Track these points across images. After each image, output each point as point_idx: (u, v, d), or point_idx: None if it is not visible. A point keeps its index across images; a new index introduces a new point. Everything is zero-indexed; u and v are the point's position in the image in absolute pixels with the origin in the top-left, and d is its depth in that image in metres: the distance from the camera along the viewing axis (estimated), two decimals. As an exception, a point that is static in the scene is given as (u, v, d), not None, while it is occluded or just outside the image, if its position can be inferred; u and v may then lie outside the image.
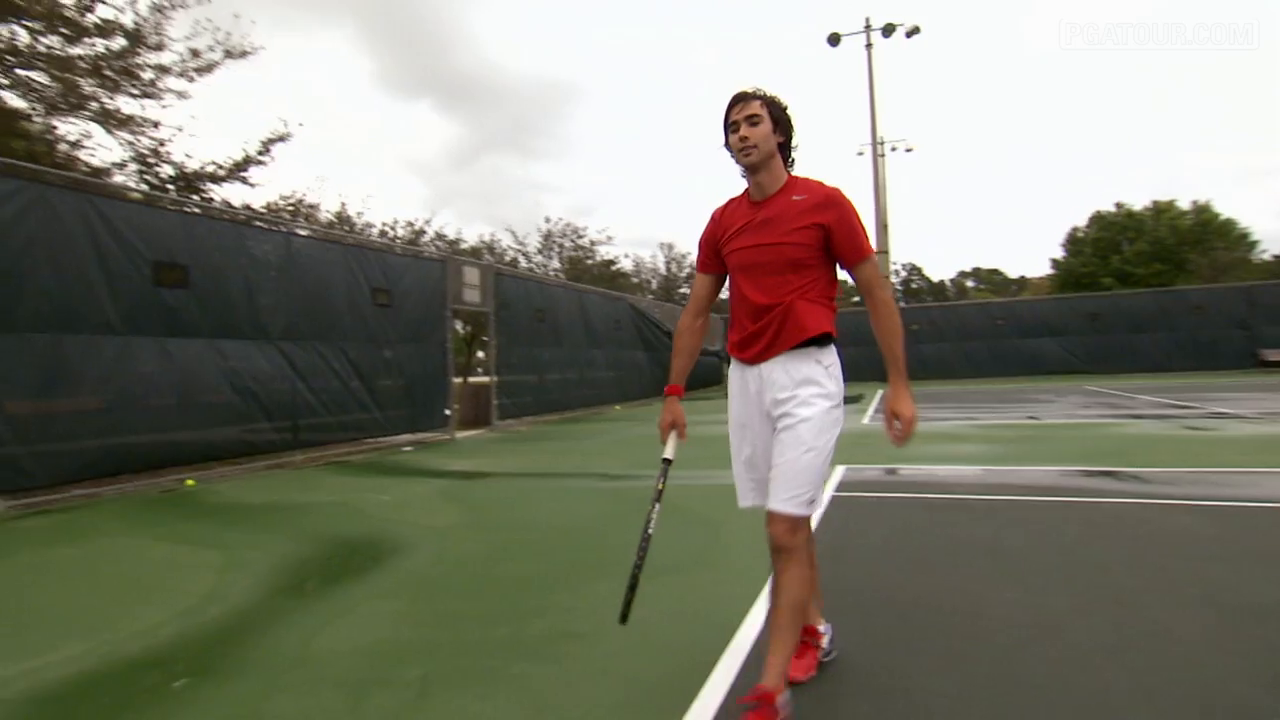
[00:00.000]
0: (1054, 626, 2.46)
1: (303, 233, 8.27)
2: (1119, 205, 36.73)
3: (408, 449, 8.73)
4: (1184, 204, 35.27)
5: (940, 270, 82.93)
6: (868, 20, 23.36)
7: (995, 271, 60.10)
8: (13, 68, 7.80)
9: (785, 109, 2.00)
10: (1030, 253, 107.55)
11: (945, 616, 2.60)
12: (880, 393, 17.48)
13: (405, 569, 3.43)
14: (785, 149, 2.00)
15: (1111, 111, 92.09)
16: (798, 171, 2.04)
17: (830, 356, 1.98)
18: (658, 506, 1.97)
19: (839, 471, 5.90)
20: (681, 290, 31.53)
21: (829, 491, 5.06)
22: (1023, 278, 55.71)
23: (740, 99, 1.98)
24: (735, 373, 2.08)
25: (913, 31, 22.62)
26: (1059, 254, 39.36)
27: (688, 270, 32.31)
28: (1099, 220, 36.96)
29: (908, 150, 26.57)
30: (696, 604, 2.87)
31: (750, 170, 1.98)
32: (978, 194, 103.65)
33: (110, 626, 2.79)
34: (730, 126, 1.97)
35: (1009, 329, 22.13)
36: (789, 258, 1.91)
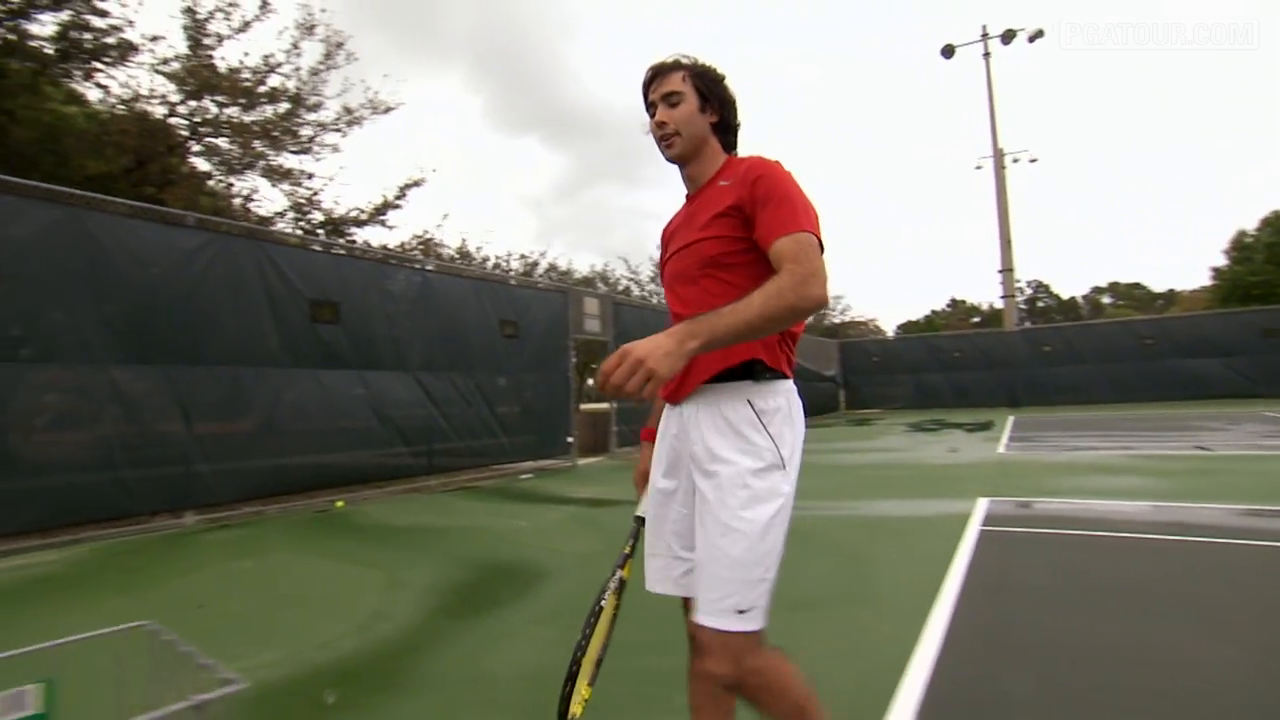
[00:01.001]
0: (1283, 690, 2.17)
1: (435, 269, 8.83)
2: (1300, 204, 32.38)
3: (526, 476, 9.04)
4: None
5: (1071, 286, 76.94)
6: (984, 28, 22.40)
7: (1137, 285, 55.04)
8: (204, 136, 8.95)
9: (719, 80, 1.57)
10: (1178, 264, 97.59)
11: (1151, 672, 2.36)
12: (1012, 418, 16.32)
13: (555, 594, 3.53)
14: (724, 130, 1.58)
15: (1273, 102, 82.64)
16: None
17: (770, 397, 1.42)
18: (618, 574, 1.50)
19: (982, 505, 5.54)
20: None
21: (974, 526, 4.76)
22: (1171, 291, 50.63)
23: (657, 73, 1.56)
24: (663, 416, 1.59)
25: (1036, 36, 21.43)
26: (1221, 262, 35.38)
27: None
28: (1275, 222, 32.80)
29: (1031, 161, 25.11)
30: (859, 642, 2.77)
31: (677, 163, 1.58)
32: (1113, 203, 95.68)
33: (296, 637, 3.04)
34: (648, 110, 1.58)
35: (1161, 348, 20.04)
36: (704, 256, 1.45)
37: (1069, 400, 20.40)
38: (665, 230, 1.68)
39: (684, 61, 1.56)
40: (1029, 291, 53.08)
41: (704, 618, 1.32)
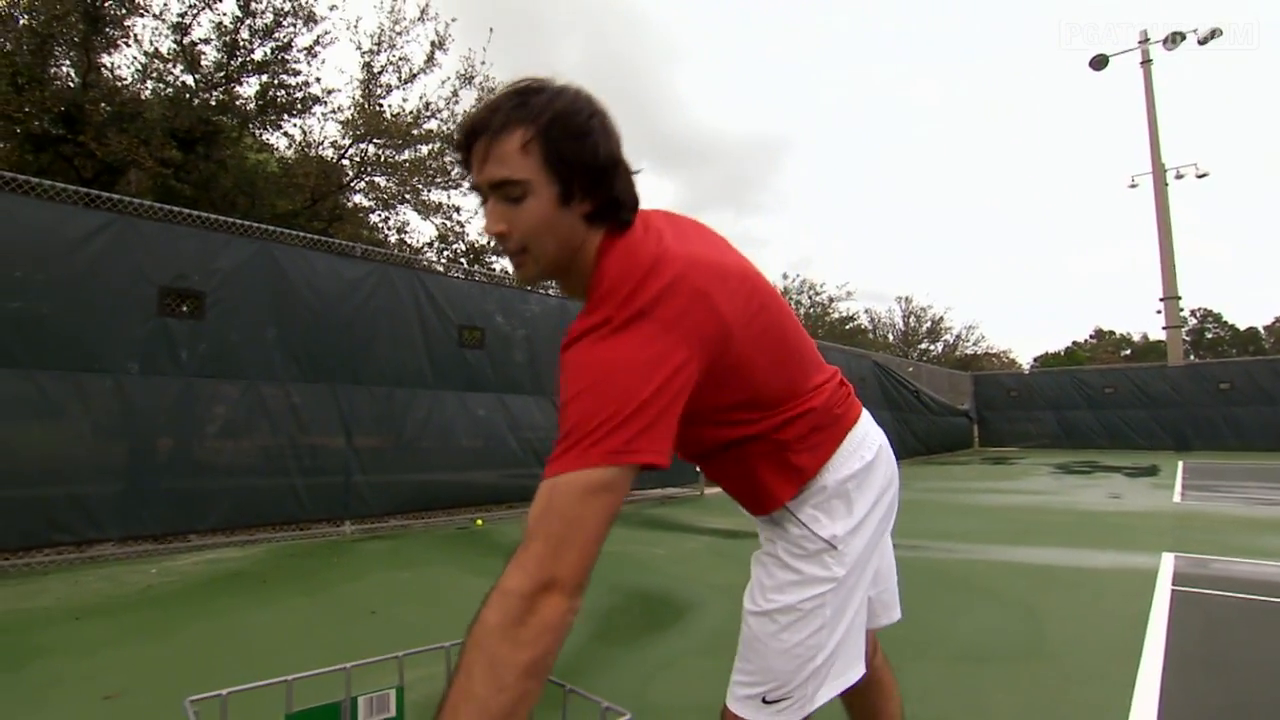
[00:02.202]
0: None
1: (568, 295, 9.14)
2: None
3: (650, 503, 9.05)
4: None
5: (1249, 316, 68.30)
6: (1144, 33, 20.64)
7: (1333, 315, 47.96)
8: (365, 175, 9.86)
9: (585, 132, 0.94)
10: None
11: None
12: (1181, 463, 14.56)
13: (708, 626, 3.47)
14: (607, 210, 0.99)
15: None
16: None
17: (805, 507, 1.18)
18: None
19: (1168, 560, 4.95)
20: (922, 345, 29.55)
21: (1163, 585, 4.24)
22: (1378, 322, 43.74)
23: (475, 134, 0.94)
24: None
25: (1209, 37, 19.45)
26: None
27: (928, 324, 30.26)
28: None
29: (1199, 176, 22.62)
30: (1052, 703, 2.51)
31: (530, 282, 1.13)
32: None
33: (462, 649, 3.15)
34: (478, 194, 1.00)
35: (1373, 389, 17.25)
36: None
37: (1253, 446, 17.96)
38: None
39: (527, 113, 0.91)
40: (1194, 321, 47.64)
41: (730, 694, 1.17)
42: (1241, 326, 48.33)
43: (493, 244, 0.87)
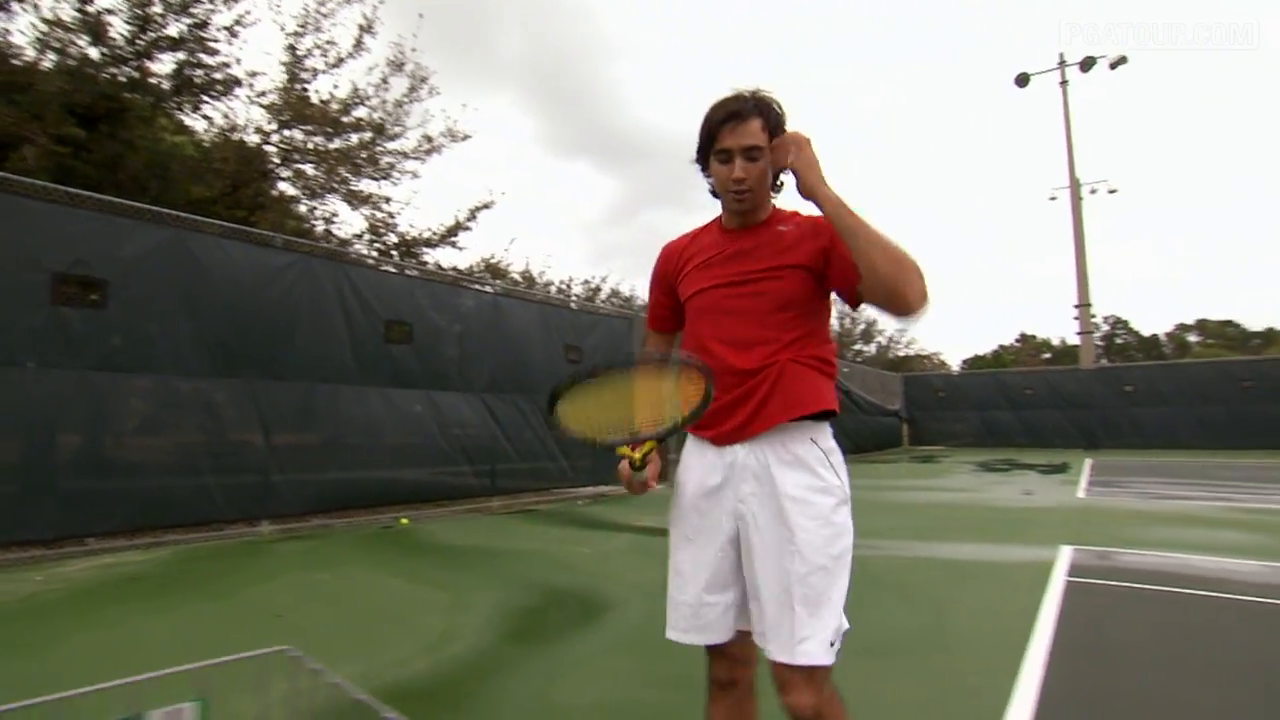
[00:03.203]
0: None
1: (502, 292, 9.03)
2: None
3: (581, 501, 9.03)
4: None
5: (1152, 323, 73.07)
6: (1062, 56, 21.80)
7: (1229, 323, 51.77)
8: (293, 163, 9.48)
9: (784, 122, 1.48)
10: (1278, 301, 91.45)
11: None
12: (1089, 460, 15.47)
13: (624, 625, 3.48)
14: (777, 172, 1.51)
15: (1379, 135, 77.23)
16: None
17: (829, 439, 1.48)
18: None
19: (1065, 553, 5.23)
20: (856, 346, 30.39)
21: (1059, 576, 4.49)
22: (1270, 330, 47.39)
23: (734, 117, 1.44)
24: (692, 458, 1.55)
25: (1118, 63, 20.71)
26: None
27: (862, 326, 31.12)
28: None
29: (1110, 191, 24.06)
30: (943, 694, 2.62)
31: (740, 213, 1.52)
32: (1200, 236, 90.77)
33: (371, 653, 3.07)
34: (719, 154, 1.46)
35: (1260, 392, 18.63)
36: (775, 300, 1.44)
37: (1152, 444, 19.23)
38: (680, 253, 1.62)
39: (759, 105, 1.45)
40: (1106, 328, 50.60)
41: (804, 655, 1.31)
42: (1146, 333, 51.77)
43: (732, 186, 1.47)
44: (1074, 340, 24.35)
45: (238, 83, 8.41)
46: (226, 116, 8.95)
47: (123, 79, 7.25)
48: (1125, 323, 51.80)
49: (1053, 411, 21.23)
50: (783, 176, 1.52)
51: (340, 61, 9.20)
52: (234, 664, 1.26)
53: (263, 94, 8.91)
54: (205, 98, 8.29)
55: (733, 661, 1.50)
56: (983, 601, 4.03)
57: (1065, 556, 5.14)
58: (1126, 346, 51.08)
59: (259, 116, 9.04)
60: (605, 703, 2.50)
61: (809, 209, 1.44)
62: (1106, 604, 3.90)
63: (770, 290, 1.45)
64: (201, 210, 7.17)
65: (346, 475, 6.91)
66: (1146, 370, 21.53)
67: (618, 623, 3.55)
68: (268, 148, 9.43)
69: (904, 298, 1.32)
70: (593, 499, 9.15)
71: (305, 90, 8.97)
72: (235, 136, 9.07)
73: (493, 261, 15.49)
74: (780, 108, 1.48)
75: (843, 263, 1.41)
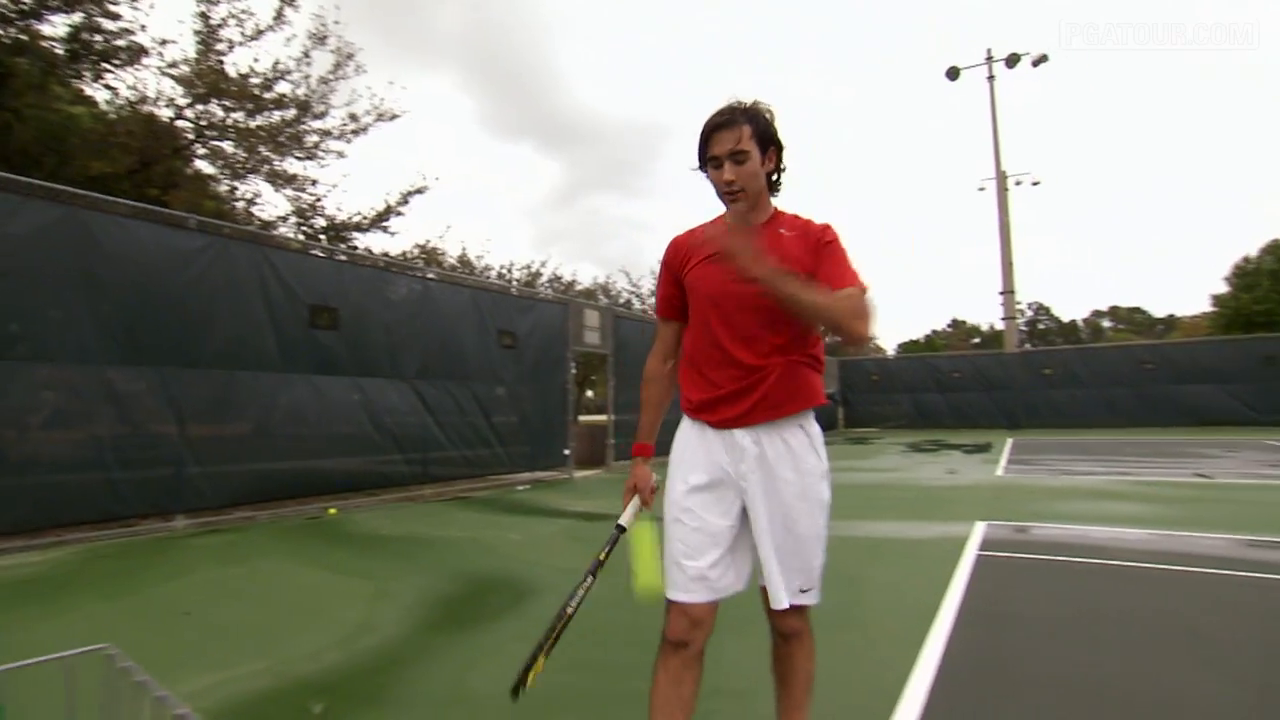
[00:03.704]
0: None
1: (436, 278, 8.83)
2: (1307, 230, 32.05)
3: (523, 487, 8.98)
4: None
5: (1071, 310, 77.09)
6: (989, 52, 22.58)
7: (1137, 310, 55.15)
8: (210, 140, 8.97)
9: (773, 126, 1.65)
10: (1179, 289, 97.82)
11: (1144, 710, 2.30)
12: (1010, 440, 16.26)
13: (542, 611, 3.47)
14: (773, 174, 1.71)
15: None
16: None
17: (815, 424, 1.74)
18: (590, 580, 1.65)
19: (979, 528, 5.49)
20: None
21: (971, 551, 4.71)
22: (1171, 316, 50.71)
23: (721, 126, 1.61)
24: (691, 437, 1.73)
25: (1040, 61, 21.60)
26: (1220, 288, 35.33)
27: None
28: (1278, 250, 32.67)
29: (1034, 184, 25.20)
30: (850, 666, 2.71)
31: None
32: (1113, 227, 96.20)
33: (282, 647, 2.98)
34: (710, 160, 1.64)
35: (1160, 373, 19.95)
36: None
37: (1068, 424, 20.34)
38: (688, 243, 1.76)
39: (747, 114, 1.62)
40: (1030, 314, 53.17)
41: (803, 599, 1.70)
42: (1066, 319, 54.67)
43: (724, 189, 1.66)
44: (1001, 325, 25.46)
45: (144, 51, 7.87)
46: (134, 88, 8.41)
47: (7, 40, 6.66)
48: (1048, 309, 54.59)
49: (979, 394, 22.21)
50: (780, 177, 1.72)
51: (259, 33, 8.72)
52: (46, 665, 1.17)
53: (174, 65, 8.39)
54: (107, 66, 7.72)
55: (694, 623, 1.62)
56: (896, 577, 4.20)
57: (979, 531, 5.39)
58: (1048, 331, 53.84)
59: (172, 89, 8.52)
60: (518, 688, 2.50)
61: (808, 213, 1.71)
62: (1010, 575, 4.12)
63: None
64: (107, 188, 6.73)
65: (271, 466, 6.66)
66: (1063, 354, 22.76)
67: (538, 609, 3.54)
68: (182, 123, 8.91)
69: (846, 335, 1.52)
70: (531, 485, 9.10)
71: (221, 62, 8.48)
72: (145, 109, 8.52)
73: (428, 247, 15.11)
74: (770, 115, 1.65)
75: (827, 274, 1.60)
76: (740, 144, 1.59)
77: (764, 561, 1.65)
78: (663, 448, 1.78)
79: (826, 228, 1.69)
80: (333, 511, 6.89)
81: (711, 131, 1.62)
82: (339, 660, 2.82)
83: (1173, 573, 4.13)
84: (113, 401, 5.60)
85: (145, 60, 8.13)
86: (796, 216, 1.72)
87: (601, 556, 1.69)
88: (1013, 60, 22.05)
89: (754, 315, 1.61)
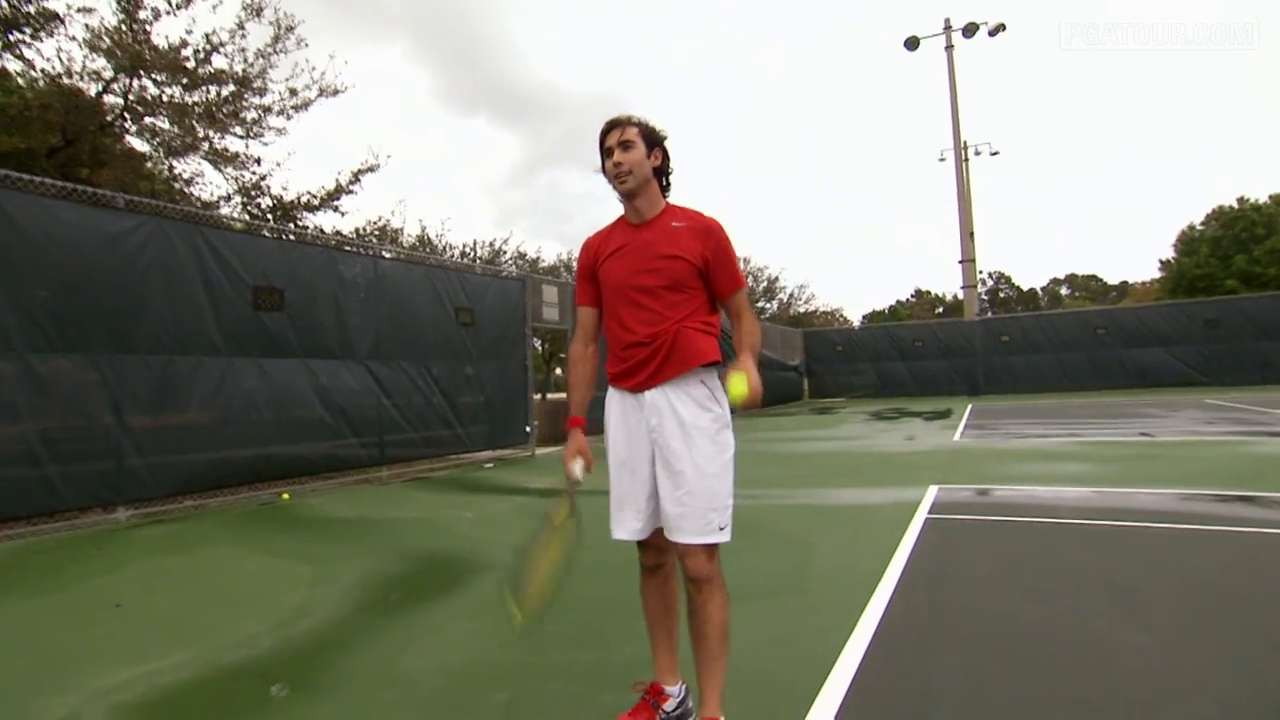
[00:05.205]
0: (1200, 679, 2.18)
1: (388, 256, 8.60)
2: (1242, 200, 33.39)
3: (489, 465, 8.90)
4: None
5: (1030, 278, 78.84)
6: (947, 21, 22.64)
7: (1093, 278, 56.61)
8: (141, 116, 8.53)
9: (661, 136, 2.00)
10: (1132, 256, 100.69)
11: (1066, 659, 2.35)
12: (970, 406, 16.63)
13: (489, 588, 3.43)
14: (662, 175, 2.02)
15: (1226, 101, 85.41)
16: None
17: (715, 379, 1.96)
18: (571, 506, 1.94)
19: (932, 492, 5.58)
20: (759, 303, 31.11)
21: (921, 514, 4.78)
22: (1124, 283, 52.17)
23: (614, 125, 1.97)
24: (614, 403, 2.02)
25: (997, 30, 21.75)
26: (1169, 255, 36.50)
27: (765, 284, 31.86)
28: (1220, 217, 33.72)
29: (993, 154, 25.50)
30: (790, 632, 2.73)
31: (627, 196, 1.97)
32: (1071, 197, 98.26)
33: (213, 635, 2.89)
34: (604, 152, 1.97)
35: (1111, 338, 20.57)
36: (668, 280, 1.90)
37: (1025, 389, 20.88)
38: (599, 245, 2.05)
39: (634, 119, 1.98)
40: (990, 283, 54.19)
41: (701, 537, 1.83)
42: (1025, 287, 55.86)
43: (612, 170, 1.97)
44: (963, 295, 25.89)
45: (57, 18, 7.40)
46: (62, 60, 7.92)
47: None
48: (1008, 278, 55.66)
49: (940, 361, 22.64)
50: (669, 178, 2.04)
51: (188, 3, 8.27)
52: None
53: (98, 36, 7.92)
54: (16, 34, 7.24)
55: (658, 550, 1.98)
56: (845, 543, 4.24)
57: (931, 495, 5.48)
58: (1008, 300, 54.96)
59: (93, 61, 8.05)
60: (452, 667, 2.45)
61: (700, 207, 1.99)
62: (956, 537, 4.19)
63: (666, 271, 1.89)
64: (25, 166, 6.36)
65: (219, 453, 6.46)
66: (1020, 321, 23.28)
67: (483, 586, 3.49)
68: (109, 98, 8.45)
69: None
70: (494, 463, 9.02)
71: (146, 32, 8.02)
72: (68, 84, 8.06)
73: (381, 224, 14.74)
74: (653, 126, 2.00)
75: (720, 273, 1.94)
76: (626, 135, 1.93)
77: (668, 502, 1.86)
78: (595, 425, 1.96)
79: (709, 223, 1.96)
80: (286, 497, 6.75)
81: (606, 131, 1.97)
82: (271, 646, 2.74)
83: (1108, 528, 4.24)
84: (39, 391, 5.35)
85: (60, 29, 7.65)
86: (686, 209, 2.01)
87: (564, 509, 1.94)
88: (970, 30, 22.14)
89: (650, 295, 1.91)
